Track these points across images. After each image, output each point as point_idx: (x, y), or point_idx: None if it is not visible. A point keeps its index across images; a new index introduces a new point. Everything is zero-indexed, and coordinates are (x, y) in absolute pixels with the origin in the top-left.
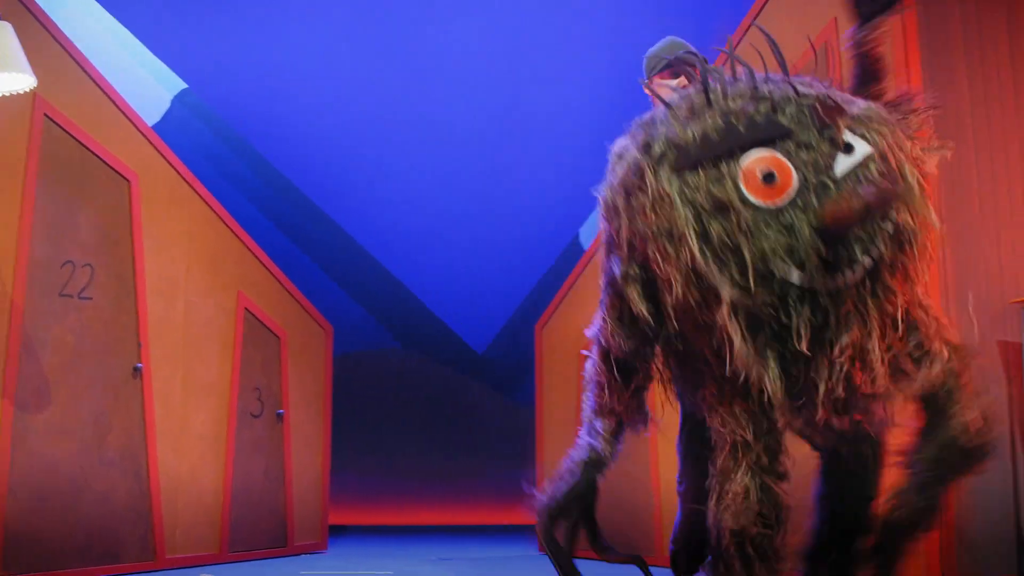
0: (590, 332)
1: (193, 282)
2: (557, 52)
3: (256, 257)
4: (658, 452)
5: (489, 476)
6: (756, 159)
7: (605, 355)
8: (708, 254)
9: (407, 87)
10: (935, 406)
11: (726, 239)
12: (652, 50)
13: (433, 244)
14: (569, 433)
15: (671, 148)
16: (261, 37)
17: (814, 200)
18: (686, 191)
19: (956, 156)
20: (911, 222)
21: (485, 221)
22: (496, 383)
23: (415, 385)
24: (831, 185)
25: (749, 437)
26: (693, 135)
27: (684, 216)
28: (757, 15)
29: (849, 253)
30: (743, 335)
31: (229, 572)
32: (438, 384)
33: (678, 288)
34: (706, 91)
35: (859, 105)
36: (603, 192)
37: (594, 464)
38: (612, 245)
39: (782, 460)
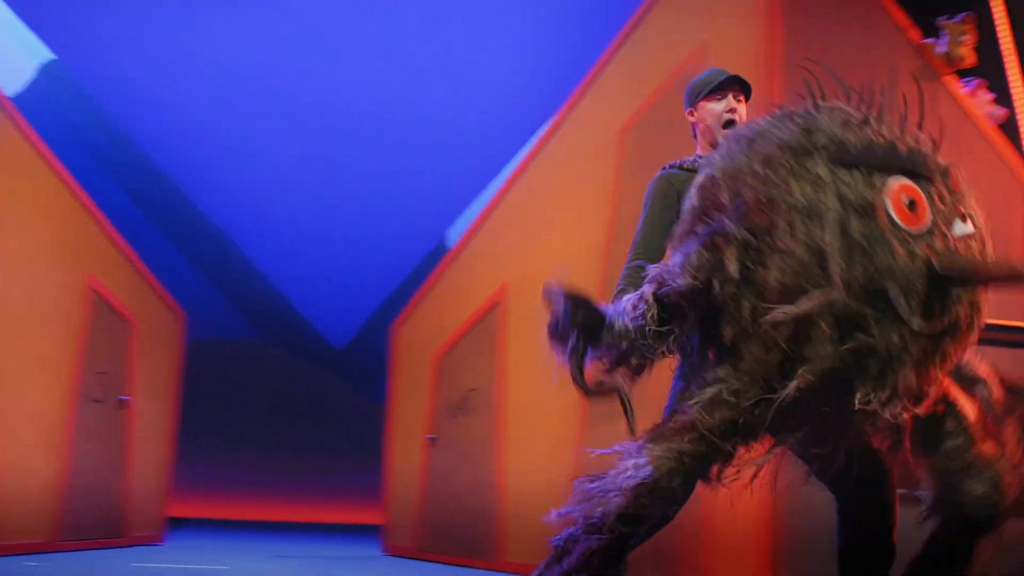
0: (653, 269)
1: (39, 259)
2: (433, 56)
3: (110, 239)
4: (505, 457)
5: (338, 474)
6: (905, 184)
7: (655, 293)
8: (839, 244)
9: (287, 76)
10: (948, 478)
11: (861, 240)
12: (697, 79)
13: (298, 237)
14: (420, 433)
15: (833, 142)
16: (140, 13)
17: (936, 244)
18: (838, 183)
19: None
20: (975, 312)
21: (353, 217)
22: (353, 380)
23: (270, 377)
24: (949, 239)
25: (704, 430)
26: (857, 138)
27: (831, 202)
28: (628, 36)
29: (940, 307)
30: (831, 334)
31: (57, 562)
32: (294, 377)
33: (790, 262)
34: (867, 112)
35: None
36: (732, 157)
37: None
38: (711, 208)
39: (710, 475)
